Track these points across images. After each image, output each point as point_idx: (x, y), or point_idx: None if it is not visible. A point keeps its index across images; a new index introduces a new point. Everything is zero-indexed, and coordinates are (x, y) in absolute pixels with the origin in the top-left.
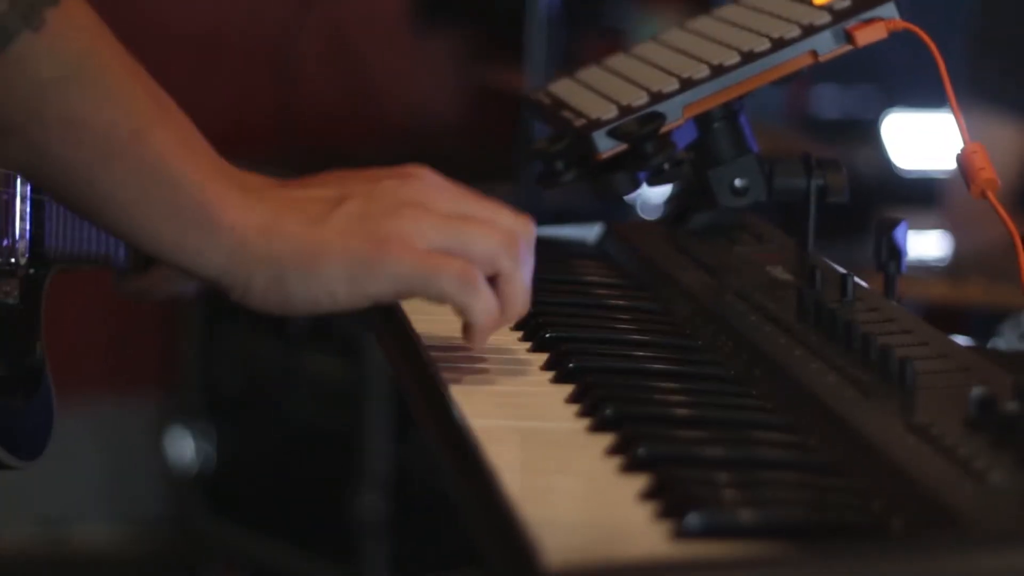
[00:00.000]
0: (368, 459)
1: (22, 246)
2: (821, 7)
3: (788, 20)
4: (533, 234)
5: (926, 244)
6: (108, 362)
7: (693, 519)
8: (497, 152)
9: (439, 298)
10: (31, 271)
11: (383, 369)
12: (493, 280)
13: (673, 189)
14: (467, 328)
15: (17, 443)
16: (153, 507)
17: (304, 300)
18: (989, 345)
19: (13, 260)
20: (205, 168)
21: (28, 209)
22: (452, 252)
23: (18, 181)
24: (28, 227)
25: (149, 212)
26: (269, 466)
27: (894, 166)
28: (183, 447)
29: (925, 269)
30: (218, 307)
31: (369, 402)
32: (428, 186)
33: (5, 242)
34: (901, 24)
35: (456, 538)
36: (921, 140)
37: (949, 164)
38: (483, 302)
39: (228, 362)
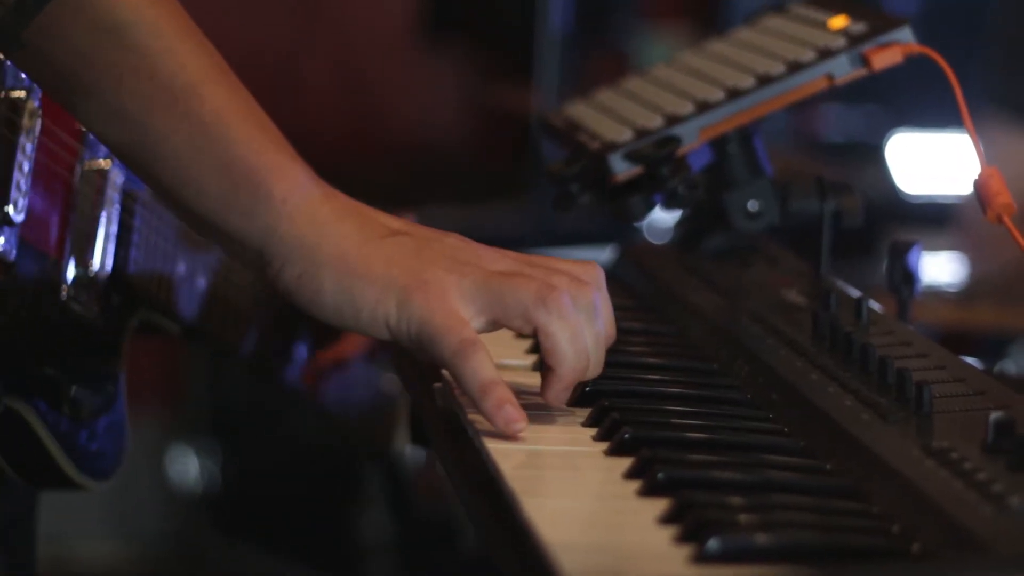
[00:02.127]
0: (372, 476)
1: (99, 259)
2: (836, 31)
3: (803, 43)
4: (590, 294)
5: (933, 267)
6: None
7: (714, 544)
8: (504, 171)
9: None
10: (113, 296)
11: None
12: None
13: (683, 213)
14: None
15: (86, 462)
16: (156, 524)
17: (332, 305)
18: (997, 368)
19: (93, 271)
20: (264, 136)
21: (115, 230)
22: (489, 308)
23: (105, 201)
24: (112, 247)
25: (198, 166)
26: (273, 484)
27: (899, 189)
28: (187, 465)
29: (932, 292)
30: None
31: None
32: (485, 248)
33: (79, 254)
34: (917, 48)
35: (462, 555)
36: (927, 161)
37: (955, 186)
38: (471, 373)
39: (232, 380)
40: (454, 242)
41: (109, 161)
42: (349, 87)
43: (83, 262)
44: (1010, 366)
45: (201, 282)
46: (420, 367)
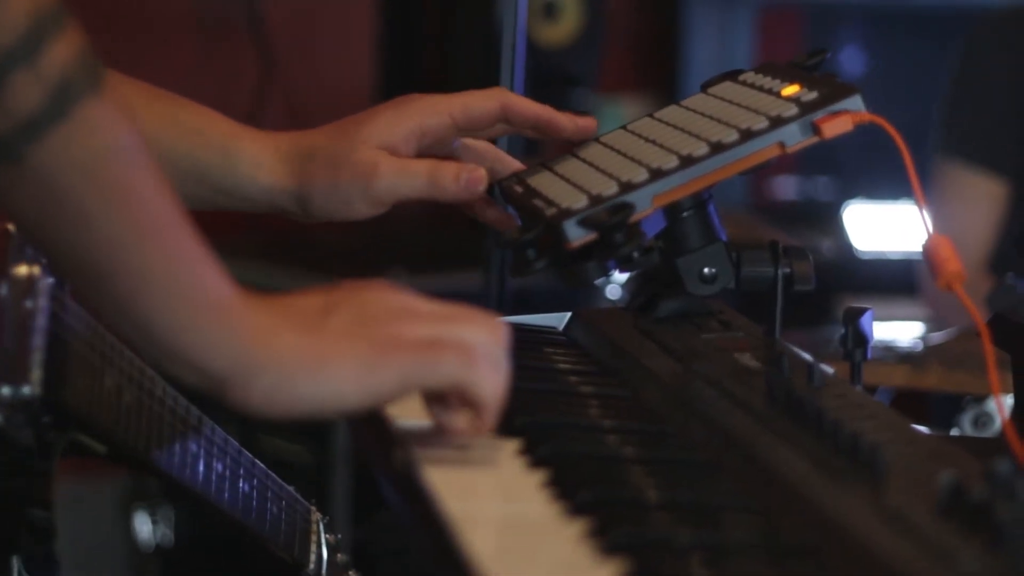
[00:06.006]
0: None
1: (36, 376)
2: (788, 99)
3: (756, 111)
4: (500, 333)
5: (891, 330)
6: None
7: None
8: (462, 237)
9: (445, 382)
10: (44, 419)
11: (344, 452)
12: None
13: (636, 274)
14: (477, 410)
15: None
16: None
17: (312, 402)
18: (953, 431)
19: (27, 390)
20: (219, 266)
21: (44, 340)
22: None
23: (39, 316)
24: (43, 360)
25: (176, 298)
26: (230, 548)
27: (855, 251)
28: (143, 528)
29: (888, 354)
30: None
31: (330, 485)
32: (400, 294)
33: (10, 372)
34: (868, 117)
35: None
36: (884, 228)
37: (914, 248)
38: (487, 377)
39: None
40: (374, 295)
41: (37, 266)
42: None
43: (15, 380)
44: (958, 432)
45: (127, 397)
46: (378, 432)
